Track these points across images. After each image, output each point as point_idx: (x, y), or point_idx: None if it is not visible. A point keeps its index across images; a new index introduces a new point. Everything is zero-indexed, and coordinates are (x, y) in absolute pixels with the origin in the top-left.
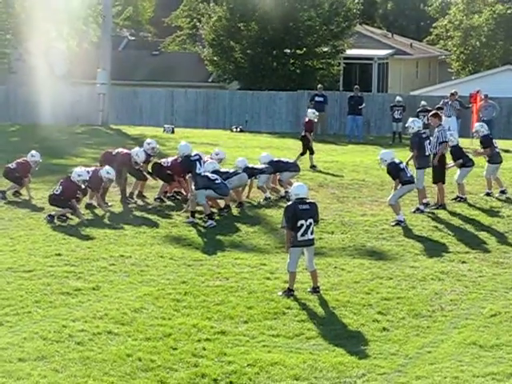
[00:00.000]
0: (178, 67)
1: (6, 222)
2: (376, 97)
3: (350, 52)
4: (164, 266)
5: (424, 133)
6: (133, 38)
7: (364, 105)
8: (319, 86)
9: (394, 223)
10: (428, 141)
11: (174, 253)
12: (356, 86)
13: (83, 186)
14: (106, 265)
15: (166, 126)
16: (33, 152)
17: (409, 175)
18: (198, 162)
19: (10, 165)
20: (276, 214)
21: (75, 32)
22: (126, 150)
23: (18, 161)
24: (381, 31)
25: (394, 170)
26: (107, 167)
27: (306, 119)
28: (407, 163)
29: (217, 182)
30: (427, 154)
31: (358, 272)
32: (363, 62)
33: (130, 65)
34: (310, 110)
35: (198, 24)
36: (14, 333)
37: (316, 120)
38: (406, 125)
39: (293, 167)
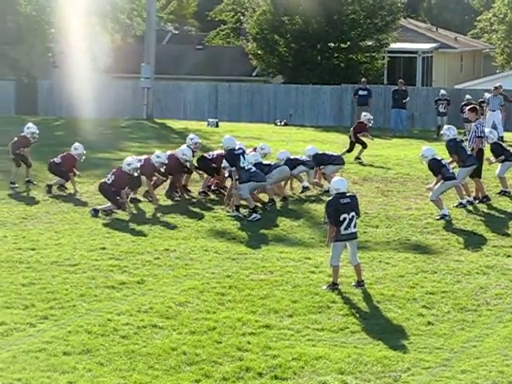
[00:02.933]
0: (222, 61)
1: (51, 216)
2: (420, 90)
3: (394, 46)
4: (208, 259)
5: (461, 140)
6: (177, 32)
7: (408, 98)
8: (363, 79)
9: (438, 217)
10: (464, 143)
11: (218, 246)
12: (400, 80)
13: (136, 174)
14: (151, 258)
15: (209, 119)
16: (76, 145)
17: (451, 171)
18: (241, 156)
19: (54, 159)
20: (320, 209)
21: (119, 26)
22: (174, 155)
23: (63, 155)
24: (425, 25)
25: (436, 167)
26: (157, 152)
27: (360, 120)
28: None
29: (252, 170)
30: (469, 153)
31: (402, 266)
32: (407, 55)
33: (174, 59)
34: (364, 113)
35: (242, 18)
36: (59, 326)
37: (370, 124)
38: (442, 132)
39: (337, 160)
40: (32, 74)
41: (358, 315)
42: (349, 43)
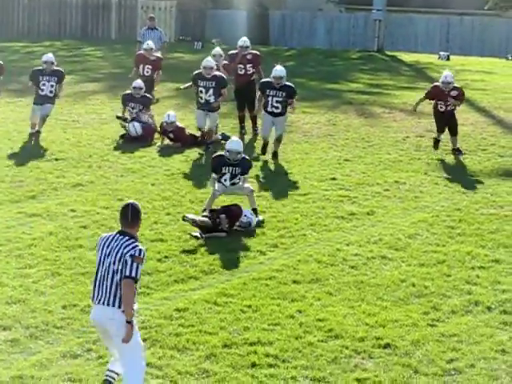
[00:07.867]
0: None
1: (281, 146)
2: None
3: None
4: (438, 192)
5: None
6: None
7: None
8: None
9: None
10: None
11: (448, 180)
12: None
13: None
14: (381, 190)
15: (441, 52)
16: None
17: None
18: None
19: None
20: None
21: None
22: None
23: None
24: None
25: None
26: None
27: None
28: None
29: None
30: None
31: None
32: None
33: None
34: None
35: None
36: (289, 255)
37: None
38: None
39: None
40: (264, 4)
41: None
42: None
